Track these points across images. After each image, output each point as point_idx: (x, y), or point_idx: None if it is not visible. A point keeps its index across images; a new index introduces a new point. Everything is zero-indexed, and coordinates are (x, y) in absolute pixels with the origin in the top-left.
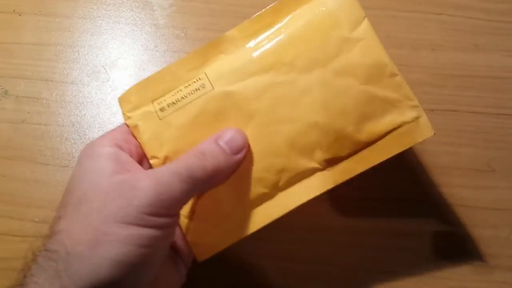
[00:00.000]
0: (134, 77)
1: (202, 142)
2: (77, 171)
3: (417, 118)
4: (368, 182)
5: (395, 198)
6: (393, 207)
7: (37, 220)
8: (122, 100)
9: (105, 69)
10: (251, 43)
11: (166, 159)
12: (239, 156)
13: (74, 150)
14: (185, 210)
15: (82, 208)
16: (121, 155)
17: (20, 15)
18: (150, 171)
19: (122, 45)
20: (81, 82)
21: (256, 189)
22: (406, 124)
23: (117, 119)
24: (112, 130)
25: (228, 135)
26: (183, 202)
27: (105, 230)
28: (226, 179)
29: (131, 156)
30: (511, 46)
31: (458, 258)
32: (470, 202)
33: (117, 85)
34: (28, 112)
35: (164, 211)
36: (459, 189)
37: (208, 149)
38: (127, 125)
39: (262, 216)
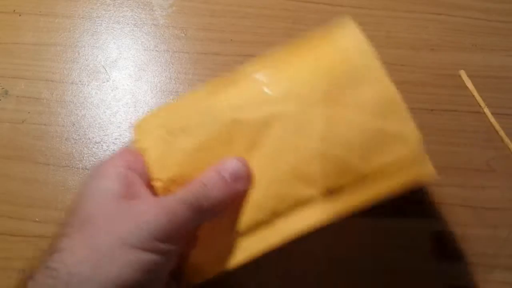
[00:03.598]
0: (134, 77)
1: (205, 172)
2: (85, 190)
3: (422, 155)
4: None
5: (395, 198)
6: (393, 207)
7: (37, 220)
8: (136, 126)
9: (105, 69)
10: (263, 76)
11: (170, 182)
12: (241, 186)
13: (74, 150)
14: None
15: (88, 229)
16: (129, 176)
17: (20, 15)
18: (158, 199)
19: (122, 45)
20: (81, 82)
21: (254, 216)
22: (412, 160)
23: (117, 119)
24: (123, 149)
25: (230, 164)
26: (188, 230)
27: (110, 251)
28: (230, 207)
29: (140, 176)
30: (510, 45)
31: (458, 258)
32: (470, 202)
33: (117, 85)
34: (29, 112)
35: (170, 237)
36: (459, 189)
37: (210, 179)
38: (136, 148)
39: (258, 243)
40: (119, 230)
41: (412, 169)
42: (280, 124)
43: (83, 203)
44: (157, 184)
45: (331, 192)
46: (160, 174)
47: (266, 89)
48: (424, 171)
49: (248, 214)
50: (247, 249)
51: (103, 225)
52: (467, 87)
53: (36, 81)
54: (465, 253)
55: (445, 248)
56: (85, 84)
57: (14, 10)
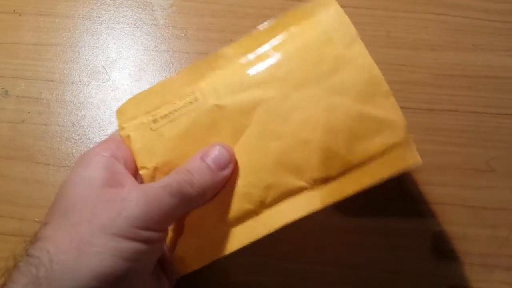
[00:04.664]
0: (134, 77)
1: (189, 159)
2: (70, 178)
3: (409, 141)
4: None
5: (395, 198)
6: (393, 207)
7: (37, 220)
8: (118, 112)
9: (105, 69)
10: (246, 59)
11: (155, 170)
12: (226, 172)
13: (74, 150)
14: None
15: (70, 217)
16: (114, 164)
17: (20, 15)
18: (140, 185)
19: (122, 45)
20: (81, 82)
21: (241, 205)
22: (398, 146)
23: None
24: (108, 138)
25: (214, 151)
26: (172, 218)
27: (92, 240)
28: (215, 195)
29: (125, 165)
30: (510, 45)
31: (458, 258)
32: (470, 202)
33: (117, 85)
34: (29, 112)
35: (153, 225)
36: (459, 189)
37: (194, 167)
38: (121, 136)
39: (246, 233)
40: (101, 218)
41: (399, 156)
42: (263, 110)
43: (66, 192)
44: (143, 172)
45: (318, 182)
46: (146, 162)
47: (248, 73)
48: (411, 157)
49: (235, 203)
50: (234, 239)
51: (85, 214)
52: (467, 87)
53: (36, 81)
54: (465, 253)
55: (445, 248)
56: (85, 84)
57: (14, 10)
